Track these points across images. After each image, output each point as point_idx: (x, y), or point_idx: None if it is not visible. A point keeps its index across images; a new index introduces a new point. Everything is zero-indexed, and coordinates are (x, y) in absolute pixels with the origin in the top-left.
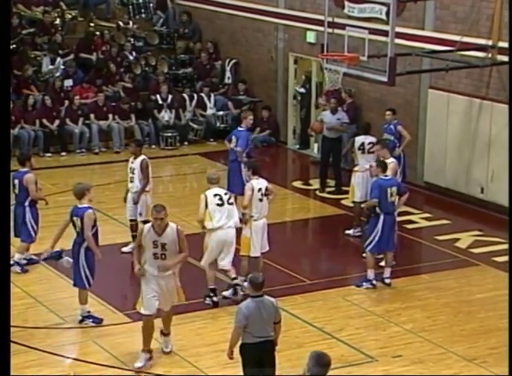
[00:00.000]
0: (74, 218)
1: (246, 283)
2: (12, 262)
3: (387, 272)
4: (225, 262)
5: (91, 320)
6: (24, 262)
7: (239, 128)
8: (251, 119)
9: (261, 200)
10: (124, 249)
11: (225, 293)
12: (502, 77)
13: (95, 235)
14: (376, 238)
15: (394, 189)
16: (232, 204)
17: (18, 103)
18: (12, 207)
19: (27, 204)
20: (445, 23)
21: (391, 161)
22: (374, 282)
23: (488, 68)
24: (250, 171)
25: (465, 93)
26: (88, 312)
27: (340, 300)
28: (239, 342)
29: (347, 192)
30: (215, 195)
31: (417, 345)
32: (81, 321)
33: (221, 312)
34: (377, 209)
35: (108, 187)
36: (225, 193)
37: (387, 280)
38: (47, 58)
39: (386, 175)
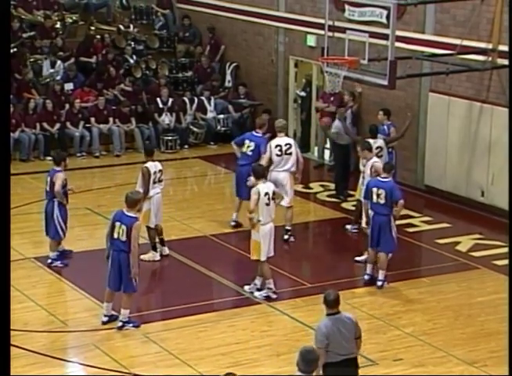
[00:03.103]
0: (117, 224)
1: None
2: (50, 261)
3: (380, 275)
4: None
5: (131, 325)
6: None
7: (256, 133)
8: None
9: (268, 204)
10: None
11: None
12: (503, 80)
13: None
14: (369, 235)
15: (382, 191)
16: (290, 154)
17: (19, 106)
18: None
19: (56, 201)
20: (445, 27)
21: (374, 161)
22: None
23: (489, 72)
24: (255, 175)
25: (465, 97)
26: (129, 317)
27: (341, 303)
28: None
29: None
30: (277, 146)
31: (418, 349)
32: (121, 327)
33: (222, 315)
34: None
35: (109, 190)
36: (286, 144)
37: (379, 283)
38: (47, 61)
39: (385, 177)
